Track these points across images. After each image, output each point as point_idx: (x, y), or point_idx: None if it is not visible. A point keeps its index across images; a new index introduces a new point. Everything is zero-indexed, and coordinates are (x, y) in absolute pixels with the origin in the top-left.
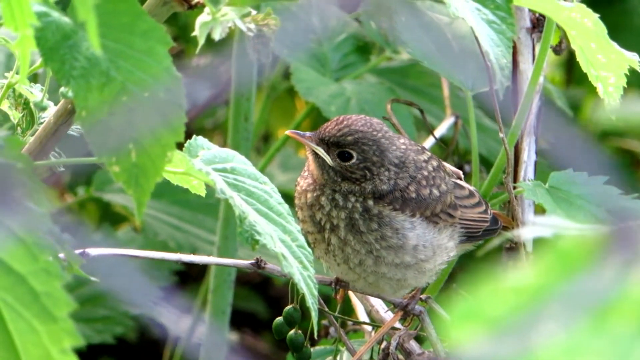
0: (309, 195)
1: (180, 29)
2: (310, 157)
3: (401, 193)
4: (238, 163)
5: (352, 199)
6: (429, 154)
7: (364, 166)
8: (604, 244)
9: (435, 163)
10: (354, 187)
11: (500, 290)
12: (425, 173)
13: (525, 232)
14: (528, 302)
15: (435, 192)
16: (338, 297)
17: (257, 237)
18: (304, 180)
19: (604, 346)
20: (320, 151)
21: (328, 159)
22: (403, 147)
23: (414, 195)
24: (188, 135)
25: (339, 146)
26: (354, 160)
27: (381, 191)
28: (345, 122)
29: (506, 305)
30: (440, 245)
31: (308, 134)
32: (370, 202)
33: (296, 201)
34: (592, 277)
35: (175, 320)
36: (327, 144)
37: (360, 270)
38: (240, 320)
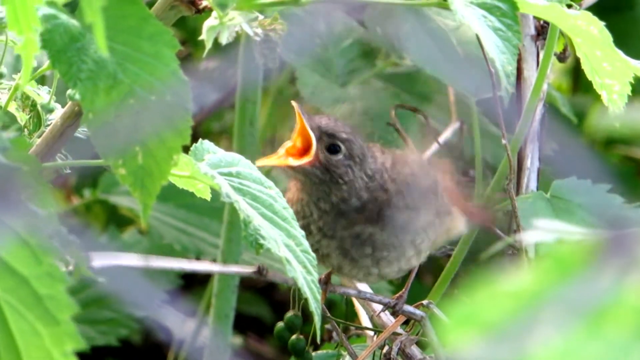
0: (299, 223)
1: (189, 33)
2: (293, 164)
3: (379, 210)
4: (243, 167)
5: (339, 228)
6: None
7: (348, 164)
8: (600, 249)
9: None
10: (333, 193)
11: (497, 294)
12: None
13: (526, 237)
14: (524, 306)
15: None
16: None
17: (262, 241)
18: (292, 206)
19: (600, 351)
20: (313, 136)
21: (314, 147)
22: (376, 162)
23: (390, 212)
24: (195, 139)
25: (331, 137)
26: (340, 156)
27: (349, 203)
28: (339, 122)
29: (502, 309)
30: (430, 225)
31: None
32: (358, 228)
33: None
34: (588, 282)
35: (179, 323)
36: (321, 132)
37: (361, 280)
38: (244, 324)
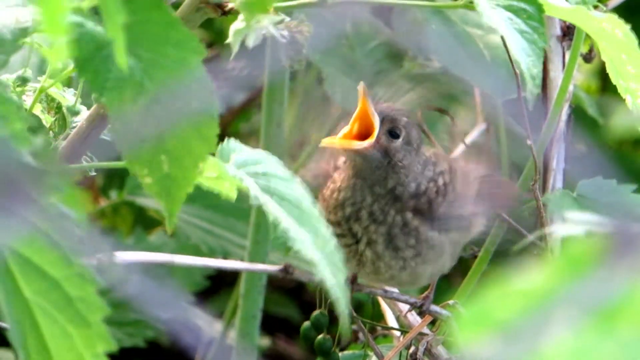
0: (347, 210)
1: (216, 33)
2: (352, 147)
3: (429, 204)
4: (269, 165)
5: (392, 212)
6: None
7: (407, 149)
8: (613, 247)
9: (447, 179)
10: (390, 177)
11: (509, 293)
12: (440, 182)
13: (553, 231)
14: (536, 305)
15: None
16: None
17: (290, 243)
18: (340, 194)
19: (612, 350)
20: (377, 119)
21: (377, 130)
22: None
23: (439, 208)
24: (222, 140)
25: (393, 122)
26: (399, 141)
27: (406, 187)
28: (399, 108)
29: (514, 308)
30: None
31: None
32: (409, 216)
33: (331, 217)
34: (601, 281)
35: (207, 324)
36: (383, 116)
37: (390, 278)
38: (273, 325)
